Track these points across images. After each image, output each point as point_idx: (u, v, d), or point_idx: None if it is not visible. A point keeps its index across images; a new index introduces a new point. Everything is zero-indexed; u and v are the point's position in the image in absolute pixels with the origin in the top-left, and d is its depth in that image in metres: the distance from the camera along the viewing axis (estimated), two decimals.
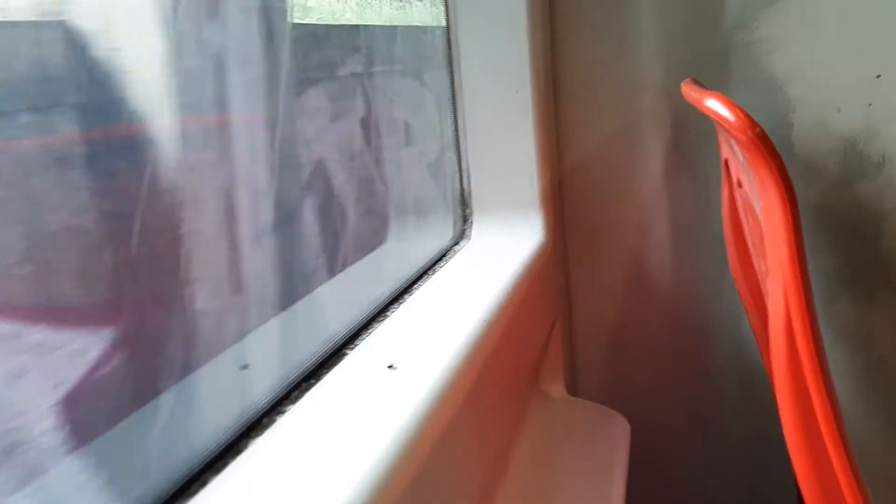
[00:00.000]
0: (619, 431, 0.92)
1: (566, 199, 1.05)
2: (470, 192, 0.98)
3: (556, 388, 1.00)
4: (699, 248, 1.02)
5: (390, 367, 0.56)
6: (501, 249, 0.92)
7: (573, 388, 1.10)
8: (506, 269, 0.82)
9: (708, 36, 0.96)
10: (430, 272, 0.85)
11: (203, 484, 0.42)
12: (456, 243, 0.96)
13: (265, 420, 0.50)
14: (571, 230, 1.06)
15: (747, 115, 0.41)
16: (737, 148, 0.50)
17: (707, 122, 0.96)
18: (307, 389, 0.54)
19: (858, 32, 0.91)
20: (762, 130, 0.41)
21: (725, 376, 1.04)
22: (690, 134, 0.99)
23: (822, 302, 0.98)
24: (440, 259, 0.90)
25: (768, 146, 0.41)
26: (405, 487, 0.45)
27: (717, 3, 0.95)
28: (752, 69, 0.94)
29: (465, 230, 0.99)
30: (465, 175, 0.98)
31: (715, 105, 0.43)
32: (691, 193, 1.00)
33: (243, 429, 0.48)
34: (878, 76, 0.91)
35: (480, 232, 0.97)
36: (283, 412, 0.51)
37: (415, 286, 0.79)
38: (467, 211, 0.98)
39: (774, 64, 0.94)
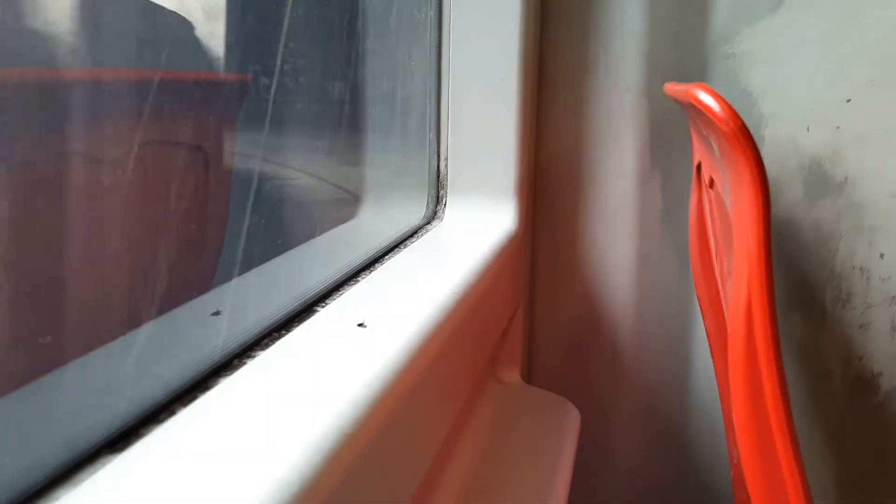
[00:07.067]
0: (569, 420, 0.94)
1: (539, 191, 1.07)
2: (446, 175, 0.99)
3: (512, 375, 1.02)
4: (664, 252, 1.04)
5: (361, 325, 0.57)
6: (472, 232, 0.93)
7: (528, 376, 1.12)
8: (475, 250, 0.84)
9: (692, 45, 0.98)
10: (401, 247, 0.86)
11: (172, 413, 0.43)
12: (428, 223, 0.97)
13: (235, 362, 0.51)
14: (541, 221, 1.08)
15: (731, 107, 0.43)
16: (714, 142, 0.52)
17: (682, 129, 0.99)
18: (278, 339, 0.55)
19: (835, 57, 0.94)
20: (744, 123, 0.43)
21: (679, 376, 1.07)
22: (666, 139, 1.01)
23: (778, 313, 1.01)
24: (411, 236, 0.91)
25: (748, 138, 0.43)
26: (369, 439, 0.46)
27: (705, 14, 0.98)
28: (730, 81, 0.97)
29: (437, 211, 1.00)
30: (442, 157, 1.00)
31: (700, 94, 0.45)
32: (661, 197, 1.03)
33: (213, 368, 0.49)
34: (849, 100, 0.94)
35: (453, 214, 0.99)
36: (253, 356, 0.51)
37: (385, 258, 0.81)
38: (441, 192, 1.00)
39: (753, 78, 0.97)
